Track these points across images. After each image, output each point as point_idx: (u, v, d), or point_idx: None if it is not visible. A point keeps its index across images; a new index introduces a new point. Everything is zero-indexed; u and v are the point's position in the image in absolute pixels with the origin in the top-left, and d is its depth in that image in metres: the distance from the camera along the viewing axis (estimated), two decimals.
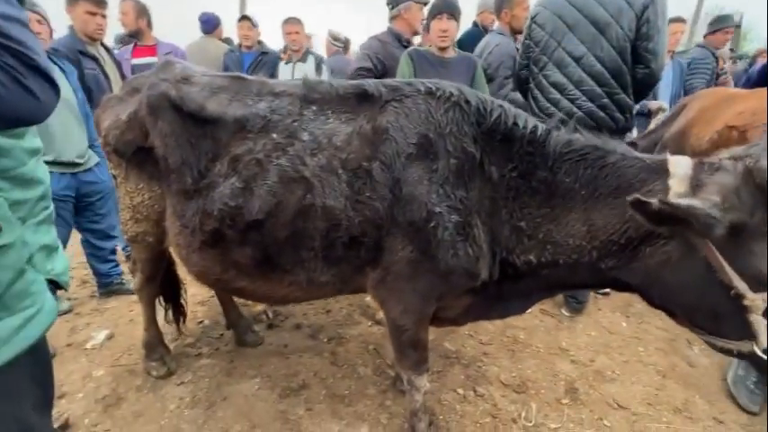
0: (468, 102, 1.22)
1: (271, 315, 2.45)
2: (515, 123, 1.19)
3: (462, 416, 1.84)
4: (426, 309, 1.34)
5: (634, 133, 3.38)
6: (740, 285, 0.87)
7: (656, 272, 0.99)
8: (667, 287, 1.00)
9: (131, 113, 1.46)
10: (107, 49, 2.88)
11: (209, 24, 4.22)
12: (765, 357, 0.86)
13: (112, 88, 2.70)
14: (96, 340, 2.22)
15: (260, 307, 2.50)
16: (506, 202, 1.20)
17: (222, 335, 2.31)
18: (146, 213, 1.55)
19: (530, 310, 2.64)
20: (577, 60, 2.04)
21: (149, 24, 3.40)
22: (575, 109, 2.08)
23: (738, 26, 5.47)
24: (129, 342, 2.20)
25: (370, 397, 1.90)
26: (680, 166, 0.97)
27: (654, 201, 0.83)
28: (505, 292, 1.35)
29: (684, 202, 0.84)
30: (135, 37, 3.43)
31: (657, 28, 1.89)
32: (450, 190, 1.17)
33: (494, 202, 1.21)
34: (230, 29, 4.65)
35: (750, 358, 0.91)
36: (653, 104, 3.70)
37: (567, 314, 2.59)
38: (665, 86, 3.95)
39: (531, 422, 1.81)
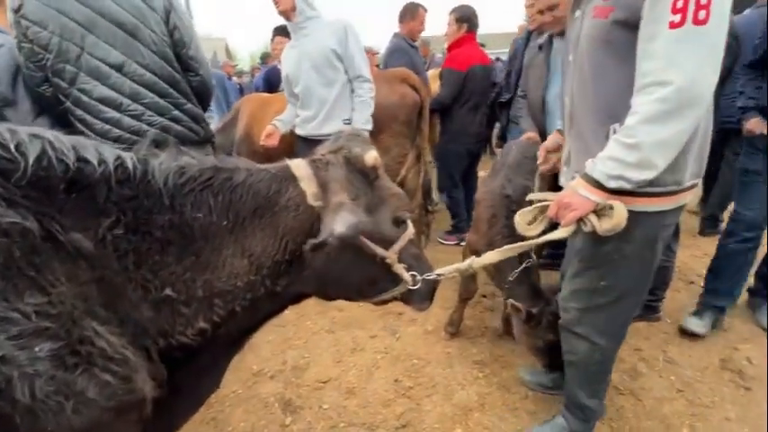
0: None
1: None
2: (82, 160, 0.75)
3: None
4: None
5: None
6: (380, 252, 1.02)
7: (325, 271, 1.01)
8: (337, 279, 1.05)
9: None
10: None
11: None
12: (415, 287, 1.10)
13: None
14: None
15: None
16: (128, 274, 0.80)
17: None
18: None
19: None
20: (119, 69, 1.66)
21: None
22: (145, 126, 1.73)
23: None
24: None
25: None
26: (301, 168, 0.99)
27: (329, 239, 0.88)
28: (185, 379, 0.98)
29: (347, 225, 0.90)
30: None
31: (190, 34, 1.84)
32: (3, 307, 0.61)
33: (106, 283, 0.77)
34: None
35: (406, 296, 1.13)
36: None
37: None
38: None
39: None
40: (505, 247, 1.25)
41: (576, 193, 1.14)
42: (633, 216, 1.16)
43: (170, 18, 1.78)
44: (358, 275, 1.07)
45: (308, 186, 0.95)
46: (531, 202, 1.35)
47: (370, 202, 1.02)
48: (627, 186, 1.09)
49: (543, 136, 2.48)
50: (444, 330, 2.38)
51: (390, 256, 1.05)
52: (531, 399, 1.91)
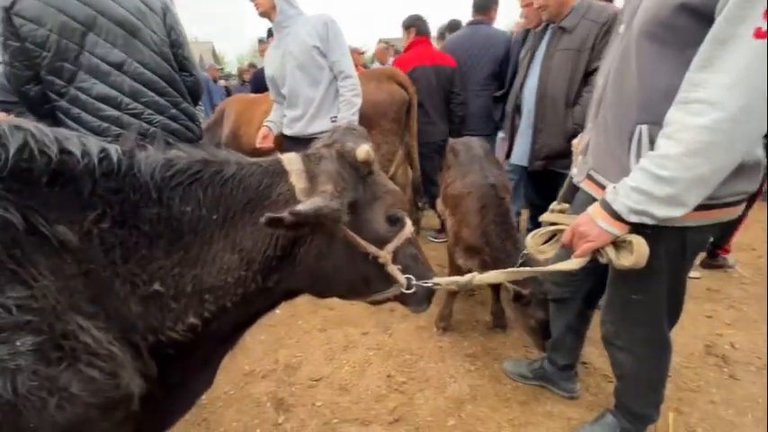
0: None
1: None
2: (65, 151, 0.75)
3: None
4: None
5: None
6: (372, 250, 1.01)
7: (316, 267, 1.00)
8: (329, 276, 1.03)
9: None
10: None
11: None
12: (410, 291, 1.07)
13: None
14: None
15: None
16: (115, 269, 0.79)
17: None
18: None
19: None
20: (119, 68, 1.68)
21: None
22: (144, 125, 1.76)
23: None
24: None
25: None
26: (293, 162, 0.99)
27: (285, 215, 0.79)
28: (177, 376, 0.97)
29: (310, 206, 0.83)
30: None
31: (185, 35, 1.88)
32: None
33: (93, 277, 0.76)
34: None
35: (402, 297, 1.11)
36: None
37: None
38: None
39: None
40: (511, 269, 1.24)
41: (594, 223, 1.05)
42: (656, 230, 1.05)
43: (167, 19, 1.86)
44: (350, 273, 1.04)
45: (298, 181, 0.95)
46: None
47: (360, 198, 1.01)
48: (649, 222, 0.98)
49: (512, 135, 2.47)
50: (436, 326, 2.42)
51: (383, 255, 1.03)
52: (522, 390, 1.93)
